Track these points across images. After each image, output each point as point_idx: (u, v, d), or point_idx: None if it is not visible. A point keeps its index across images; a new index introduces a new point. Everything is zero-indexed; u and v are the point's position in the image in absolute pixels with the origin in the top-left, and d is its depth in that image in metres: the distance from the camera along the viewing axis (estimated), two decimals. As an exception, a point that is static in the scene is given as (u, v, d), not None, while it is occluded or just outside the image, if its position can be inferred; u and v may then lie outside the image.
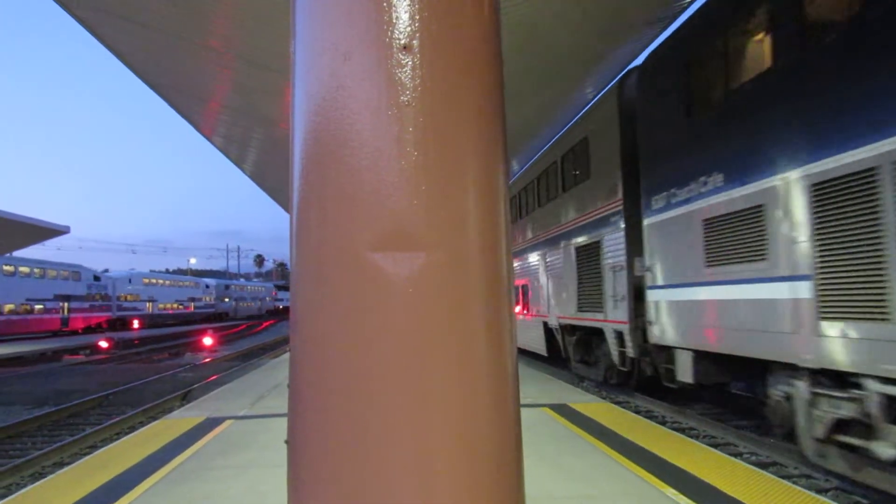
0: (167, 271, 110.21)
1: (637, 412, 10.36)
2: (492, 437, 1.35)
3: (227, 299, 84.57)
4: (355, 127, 1.30)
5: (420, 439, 1.28)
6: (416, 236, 1.28)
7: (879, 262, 5.24)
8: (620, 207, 10.67)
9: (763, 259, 6.79)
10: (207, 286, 79.67)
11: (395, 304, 1.28)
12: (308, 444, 1.36)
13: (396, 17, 1.30)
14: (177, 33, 9.94)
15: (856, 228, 5.50)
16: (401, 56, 1.30)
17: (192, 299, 74.21)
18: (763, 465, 7.37)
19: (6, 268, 41.45)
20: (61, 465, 8.99)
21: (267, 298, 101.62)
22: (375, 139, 1.29)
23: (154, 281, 66.23)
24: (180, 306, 70.77)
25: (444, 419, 1.29)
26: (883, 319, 5.20)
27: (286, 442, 1.46)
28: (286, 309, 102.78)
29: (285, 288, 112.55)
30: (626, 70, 11.29)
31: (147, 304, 62.53)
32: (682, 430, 9.30)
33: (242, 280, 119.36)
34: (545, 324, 16.13)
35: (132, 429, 11.08)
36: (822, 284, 5.89)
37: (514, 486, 1.42)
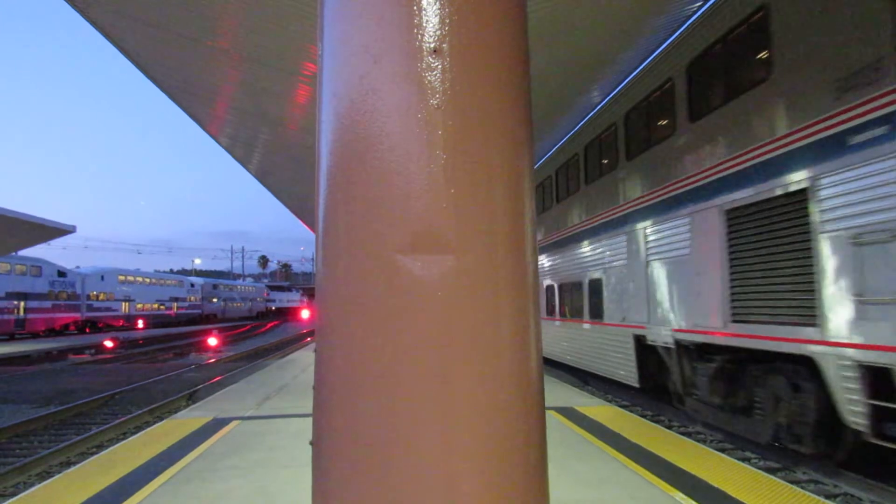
0: (171, 271, 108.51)
1: (643, 416, 10.34)
2: (518, 441, 1.35)
3: (215, 300, 78.95)
4: (384, 130, 1.31)
5: (447, 441, 1.28)
6: (444, 239, 1.28)
7: None
8: (891, 107, 5.68)
9: None
10: (193, 285, 74.12)
11: (424, 307, 1.28)
12: (334, 445, 1.36)
13: (426, 21, 1.31)
14: (186, 33, 9.98)
15: None
16: (430, 59, 1.30)
17: (176, 299, 68.41)
18: (771, 471, 7.35)
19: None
20: (68, 464, 9.02)
21: (258, 299, 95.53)
22: (405, 142, 1.29)
23: (131, 278, 59.85)
24: (162, 307, 65.00)
25: (470, 422, 1.29)
26: None
27: (311, 443, 1.46)
28: (279, 310, 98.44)
29: (278, 288, 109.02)
30: None
31: (123, 303, 56.82)
32: (688, 434, 9.28)
33: (249, 280, 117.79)
34: (638, 338, 10.78)
35: (138, 428, 11.11)
36: None
37: (540, 490, 1.42)
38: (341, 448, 1.34)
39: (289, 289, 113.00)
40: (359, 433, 1.31)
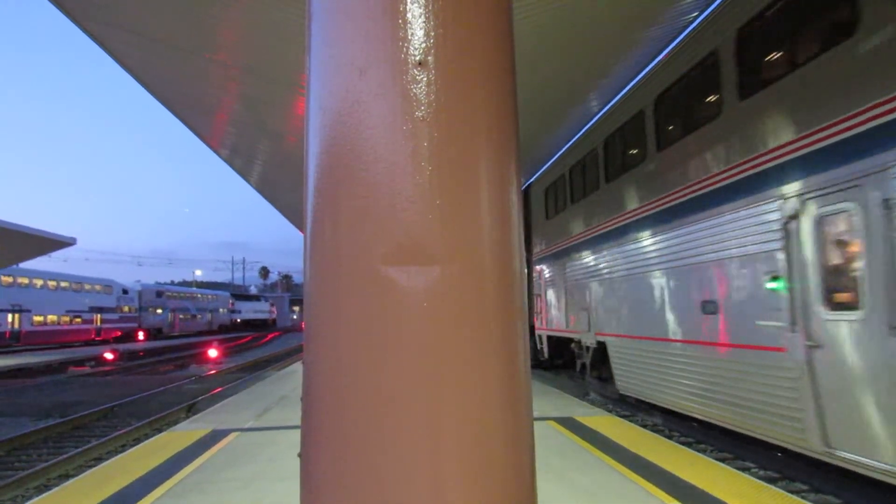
0: (172, 283, 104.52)
1: (643, 426, 10.30)
2: (506, 451, 1.35)
3: (159, 310, 63.29)
4: (370, 142, 1.32)
5: (435, 452, 1.28)
6: (430, 250, 1.29)
7: None
8: None
9: None
10: (126, 292, 57.94)
11: (410, 318, 1.28)
12: (322, 457, 1.36)
13: (411, 34, 1.32)
14: (185, 46, 10.03)
15: None
16: (416, 72, 1.31)
17: (99, 309, 52.59)
18: (771, 480, 7.32)
19: None
20: (66, 477, 8.99)
21: (220, 310, 79.53)
22: (390, 154, 1.30)
23: (24, 281, 43.37)
24: (77, 319, 49.21)
25: (458, 433, 1.29)
26: None
27: (299, 455, 1.46)
28: (246, 323, 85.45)
29: (245, 297, 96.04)
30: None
31: (10, 316, 41.58)
32: (688, 444, 9.24)
33: (246, 290, 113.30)
34: None
35: (137, 441, 11.08)
36: None
37: (528, 499, 1.42)
38: (329, 458, 1.34)
39: (257, 298, 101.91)
40: (346, 443, 1.31)
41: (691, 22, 9.35)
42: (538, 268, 16.73)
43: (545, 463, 6.17)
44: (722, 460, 8.08)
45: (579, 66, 10.81)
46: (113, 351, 34.35)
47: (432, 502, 1.27)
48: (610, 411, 11.67)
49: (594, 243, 12.14)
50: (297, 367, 18.80)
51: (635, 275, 10.19)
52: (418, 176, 1.29)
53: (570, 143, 14.55)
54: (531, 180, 18.01)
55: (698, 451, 8.29)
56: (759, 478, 7.09)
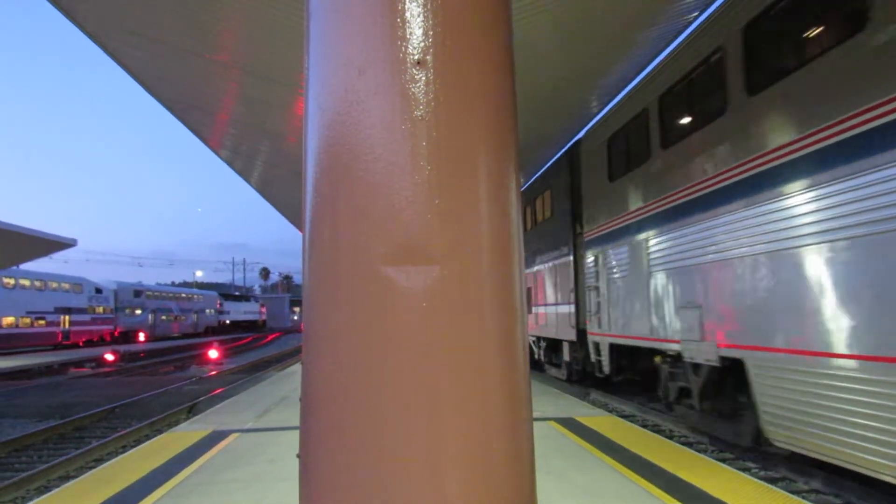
0: (172, 284, 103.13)
1: (644, 426, 10.30)
2: (505, 451, 1.35)
3: (138, 311, 57.80)
4: (369, 141, 1.31)
5: (434, 453, 1.28)
6: (429, 250, 1.29)
7: None
8: None
9: None
10: (99, 290, 51.73)
11: (409, 318, 1.28)
12: (320, 457, 1.35)
13: (410, 33, 1.32)
14: (185, 46, 10.03)
15: None
16: (414, 71, 1.31)
17: (67, 310, 46.71)
18: (772, 480, 7.31)
19: None
20: (67, 478, 8.99)
21: (207, 311, 74.08)
22: (389, 154, 1.30)
23: None
24: (40, 321, 43.19)
25: (457, 432, 1.29)
26: None
27: (298, 456, 1.46)
28: (235, 324, 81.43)
29: (235, 298, 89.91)
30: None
31: None
32: (689, 445, 9.24)
33: (248, 291, 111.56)
34: None
35: (138, 442, 11.08)
36: None
37: (528, 499, 1.41)
38: (328, 458, 1.34)
39: (247, 298, 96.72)
40: (345, 443, 1.31)
41: (691, 22, 9.34)
42: (594, 251, 12.01)
43: (545, 463, 6.16)
44: (722, 461, 8.07)
45: (579, 65, 10.81)
46: (114, 352, 34.36)
47: (432, 502, 1.27)
48: (611, 411, 11.66)
49: (721, 200, 7.25)
50: (297, 368, 18.78)
51: (849, 240, 5.27)
52: (417, 175, 1.29)
53: (660, 58, 9.82)
54: (579, 135, 13.62)
55: (699, 451, 8.29)
56: (760, 478, 7.08)
